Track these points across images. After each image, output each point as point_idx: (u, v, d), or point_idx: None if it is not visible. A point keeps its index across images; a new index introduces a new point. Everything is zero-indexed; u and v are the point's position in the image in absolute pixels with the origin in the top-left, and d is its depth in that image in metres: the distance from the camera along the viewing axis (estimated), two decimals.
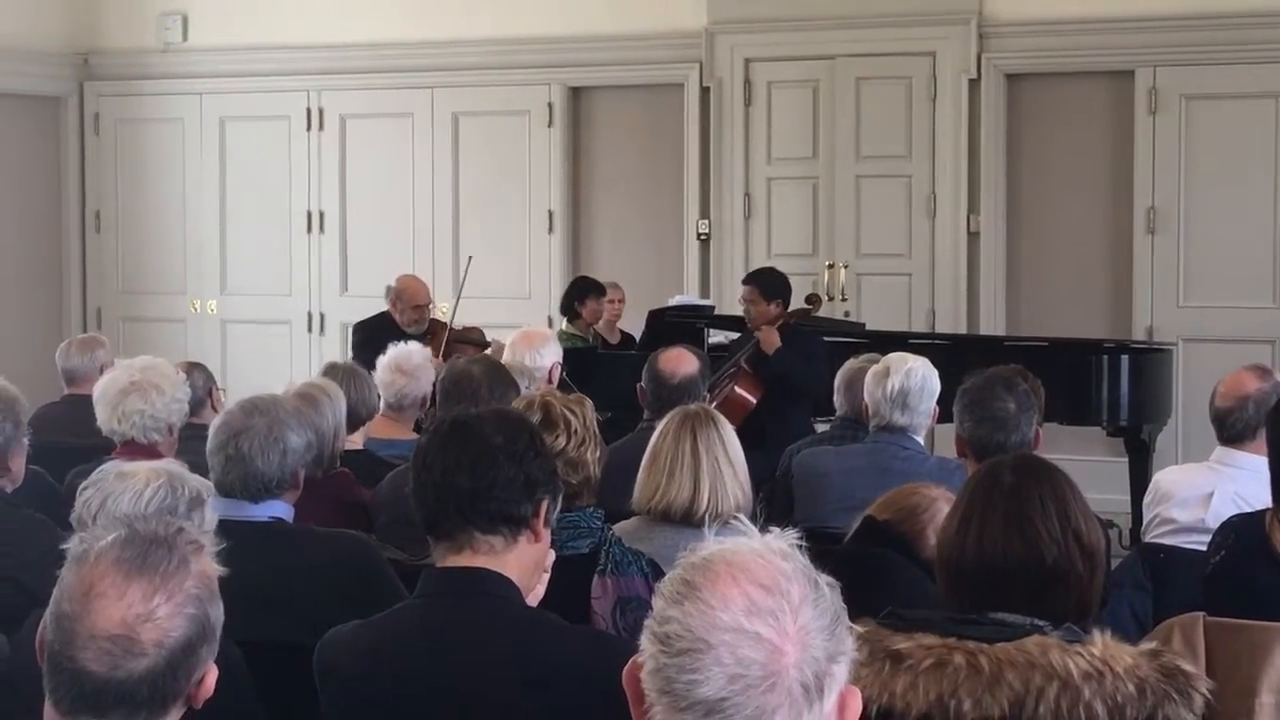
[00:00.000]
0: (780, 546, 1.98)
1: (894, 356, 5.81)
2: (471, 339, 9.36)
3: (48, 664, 2.30)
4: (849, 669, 1.96)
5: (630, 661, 1.97)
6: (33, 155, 12.63)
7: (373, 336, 8.75)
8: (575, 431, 4.27)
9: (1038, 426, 5.03)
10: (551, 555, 3.35)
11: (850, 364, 6.50)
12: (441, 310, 10.23)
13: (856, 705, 1.97)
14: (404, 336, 8.03)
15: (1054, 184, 10.78)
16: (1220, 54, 10.27)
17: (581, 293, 10.31)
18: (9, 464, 4.73)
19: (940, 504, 4.18)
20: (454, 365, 5.77)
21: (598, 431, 4.38)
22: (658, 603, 1.95)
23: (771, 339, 8.44)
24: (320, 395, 5.38)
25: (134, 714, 2.28)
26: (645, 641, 1.94)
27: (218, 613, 2.36)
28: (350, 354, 9.58)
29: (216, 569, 2.39)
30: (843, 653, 1.95)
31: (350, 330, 9.99)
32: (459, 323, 9.59)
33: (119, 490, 3.62)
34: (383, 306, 9.79)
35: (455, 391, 5.53)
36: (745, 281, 9.00)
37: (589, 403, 4.46)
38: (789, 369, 8.35)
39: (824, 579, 1.97)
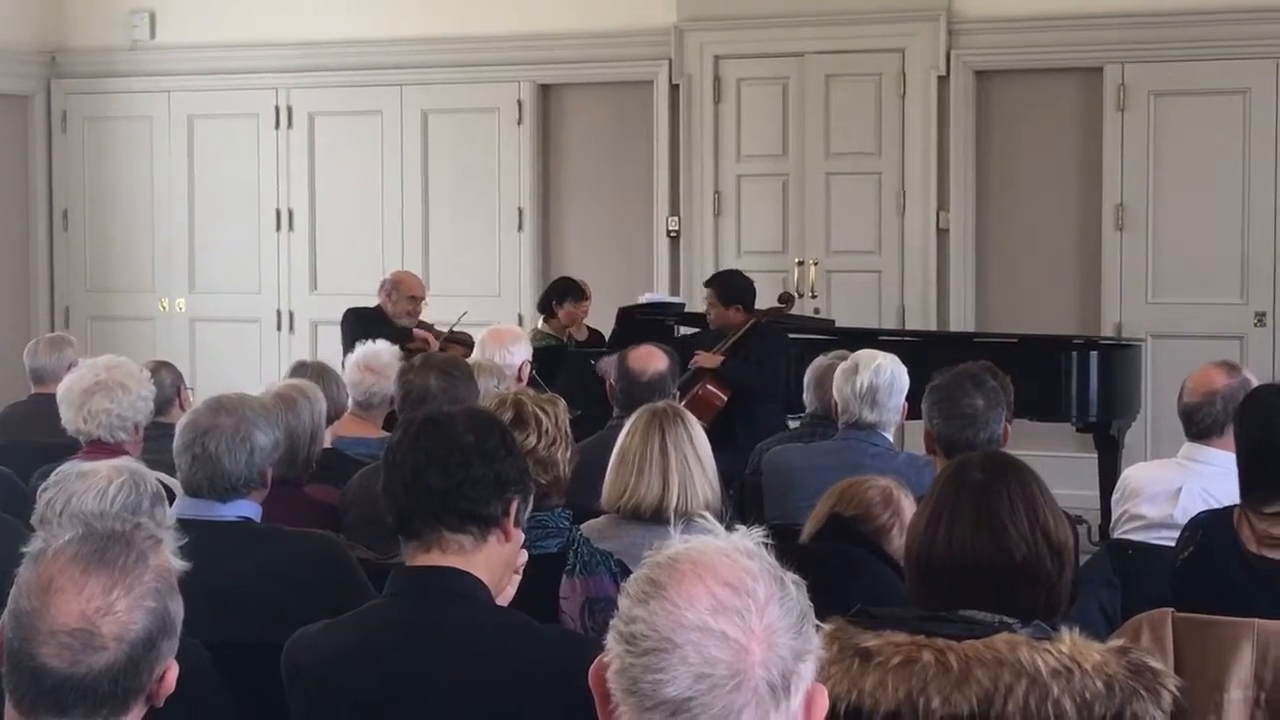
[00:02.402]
0: (746, 545, 1.97)
1: (863, 353, 5.82)
2: (462, 340, 9.39)
3: (7, 662, 2.29)
4: (816, 667, 1.95)
5: (596, 661, 1.96)
6: (0, 154, 12.57)
7: (364, 322, 8.84)
8: (546, 431, 4.26)
9: (1007, 422, 5.04)
10: (524, 556, 3.34)
11: (819, 361, 6.50)
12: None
13: (823, 703, 1.96)
14: (394, 329, 8.09)
15: (1023, 180, 10.81)
16: (1188, 50, 10.30)
17: (560, 294, 10.29)
18: None
19: (894, 493, 4.18)
20: (409, 380, 5.66)
21: (569, 431, 4.37)
22: (623, 602, 1.94)
23: (708, 361, 8.47)
24: (299, 397, 5.33)
25: (95, 710, 2.27)
26: (611, 641, 1.93)
27: (177, 607, 2.35)
28: (342, 335, 9.59)
29: (176, 564, 2.39)
30: (809, 651, 1.94)
31: (340, 318, 9.93)
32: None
33: (82, 489, 3.62)
34: (352, 303, 9.79)
35: (417, 410, 5.44)
36: (706, 284, 9.03)
37: (562, 402, 4.44)
38: (744, 377, 8.37)
39: (790, 577, 1.97)
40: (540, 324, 10.21)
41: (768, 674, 1.89)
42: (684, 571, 1.93)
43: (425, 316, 9.86)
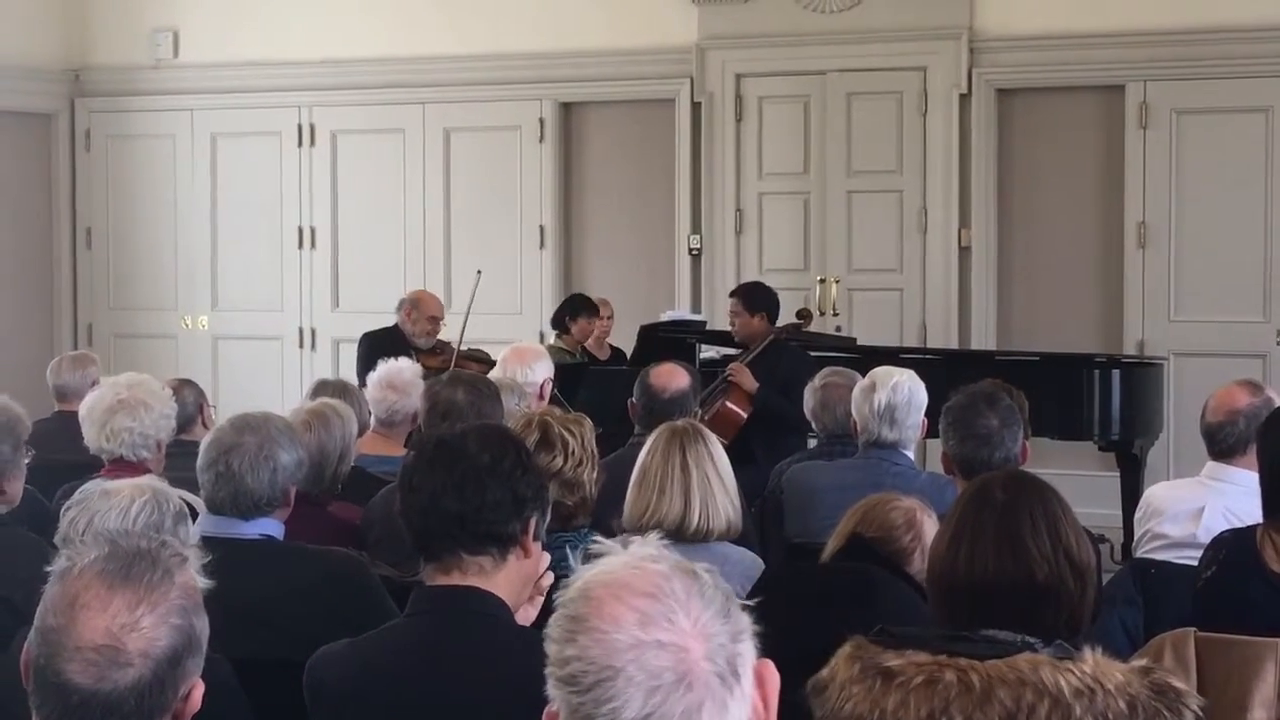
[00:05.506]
0: (648, 552, 1.97)
1: (879, 371, 5.77)
2: (478, 358, 9.40)
3: (34, 679, 2.29)
4: (755, 644, 1.95)
5: (545, 713, 1.95)
6: (24, 172, 12.62)
7: (381, 346, 8.81)
8: (573, 452, 4.26)
9: (1024, 440, 5.02)
10: (550, 577, 3.33)
11: (811, 385, 6.46)
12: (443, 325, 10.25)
13: (773, 677, 1.96)
14: (412, 350, 8.09)
15: (1045, 198, 10.80)
16: (1210, 68, 10.29)
17: (574, 310, 10.31)
18: (5, 486, 4.71)
19: (918, 515, 4.17)
20: (436, 393, 5.67)
21: (595, 451, 4.37)
22: (551, 648, 1.93)
23: (746, 380, 8.41)
24: (332, 415, 5.35)
25: None
26: (551, 690, 1.92)
27: (203, 625, 2.36)
28: (356, 363, 9.61)
29: (201, 581, 2.39)
30: (743, 630, 1.94)
31: (357, 341, 9.97)
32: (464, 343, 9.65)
33: (105, 508, 3.62)
34: (376, 323, 9.81)
35: (443, 424, 5.46)
36: (731, 294, 9.04)
37: (588, 422, 4.44)
38: (771, 406, 8.28)
39: (701, 566, 1.97)
40: (554, 339, 10.23)
41: (713, 665, 1.89)
42: (599, 597, 1.92)
43: (445, 334, 9.87)
